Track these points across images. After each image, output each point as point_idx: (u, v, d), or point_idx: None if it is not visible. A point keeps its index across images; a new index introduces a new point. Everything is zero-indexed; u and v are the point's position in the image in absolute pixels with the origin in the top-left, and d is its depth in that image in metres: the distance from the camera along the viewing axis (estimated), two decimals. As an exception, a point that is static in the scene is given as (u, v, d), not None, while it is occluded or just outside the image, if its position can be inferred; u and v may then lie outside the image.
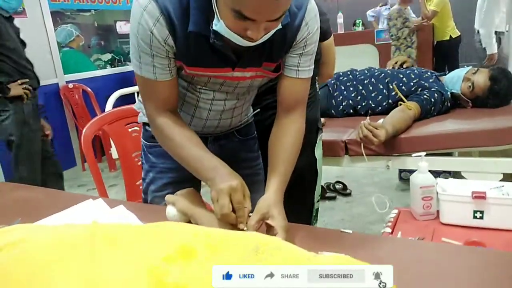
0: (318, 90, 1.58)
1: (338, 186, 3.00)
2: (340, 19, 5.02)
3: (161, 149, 1.15)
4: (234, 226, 0.87)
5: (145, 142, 1.23)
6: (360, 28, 5.53)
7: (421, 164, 1.34)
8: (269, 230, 0.89)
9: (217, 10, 0.84)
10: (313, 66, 1.05)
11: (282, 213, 0.90)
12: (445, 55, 4.76)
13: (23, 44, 2.56)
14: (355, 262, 0.59)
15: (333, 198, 2.91)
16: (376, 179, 3.21)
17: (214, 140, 1.22)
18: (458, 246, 1.07)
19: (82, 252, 0.49)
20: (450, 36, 4.70)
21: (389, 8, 5.41)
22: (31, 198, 1.37)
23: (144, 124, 1.22)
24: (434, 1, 4.56)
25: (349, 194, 2.94)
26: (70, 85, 4.04)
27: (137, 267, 0.46)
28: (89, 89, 4.05)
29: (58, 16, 4.04)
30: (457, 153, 1.89)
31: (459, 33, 4.77)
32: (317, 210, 1.63)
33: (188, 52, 0.93)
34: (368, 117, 1.63)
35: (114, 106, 2.73)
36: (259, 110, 1.32)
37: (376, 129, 1.53)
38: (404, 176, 3.04)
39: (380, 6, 5.58)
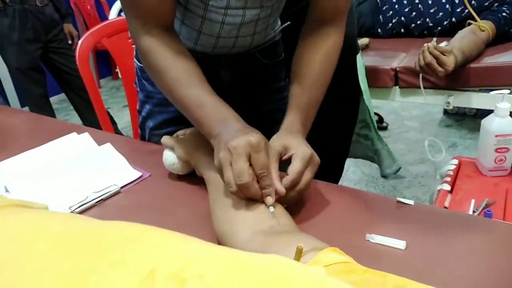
0: None
1: (373, 118, 2.68)
2: None
3: None
4: (255, 201, 0.60)
5: (138, 63, 0.95)
6: None
7: (500, 105, 1.01)
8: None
9: None
10: None
11: (304, 143, 0.66)
12: None
13: None
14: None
15: (367, 131, 2.61)
16: (417, 111, 2.87)
17: (228, 64, 0.91)
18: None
19: None
20: None
21: None
22: (5, 124, 1.14)
23: None
24: None
25: (385, 128, 2.63)
26: (81, -7, 3.67)
27: None
28: (102, -1, 3.69)
29: None
30: None
31: None
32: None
33: None
34: (435, 38, 1.26)
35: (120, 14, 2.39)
36: (289, 23, 0.98)
37: (444, 55, 1.18)
38: (450, 110, 2.68)
39: None
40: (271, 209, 0.59)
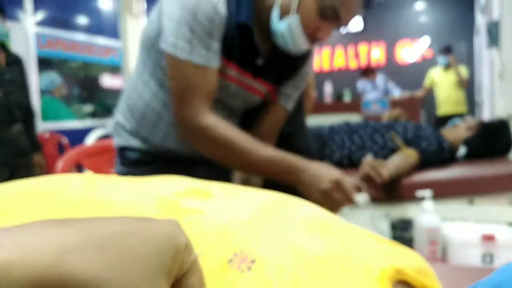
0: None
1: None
2: (328, 87, 5.04)
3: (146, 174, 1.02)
4: None
5: (126, 168, 1.00)
6: (348, 98, 5.49)
7: (426, 205, 1.26)
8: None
9: (296, 4, 0.79)
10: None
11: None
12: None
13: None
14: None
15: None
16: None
17: (203, 162, 0.99)
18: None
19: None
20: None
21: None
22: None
23: (122, 149, 1.00)
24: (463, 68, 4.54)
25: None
26: (46, 135, 3.88)
27: (140, 193, 0.36)
28: (65, 142, 3.90)
29: (44, 62, 4.00)
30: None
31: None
32: None
33: (229, 43, 0.83)
34: (370, 154, 1.56)
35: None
36: None
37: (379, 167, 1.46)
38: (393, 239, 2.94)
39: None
40: None
